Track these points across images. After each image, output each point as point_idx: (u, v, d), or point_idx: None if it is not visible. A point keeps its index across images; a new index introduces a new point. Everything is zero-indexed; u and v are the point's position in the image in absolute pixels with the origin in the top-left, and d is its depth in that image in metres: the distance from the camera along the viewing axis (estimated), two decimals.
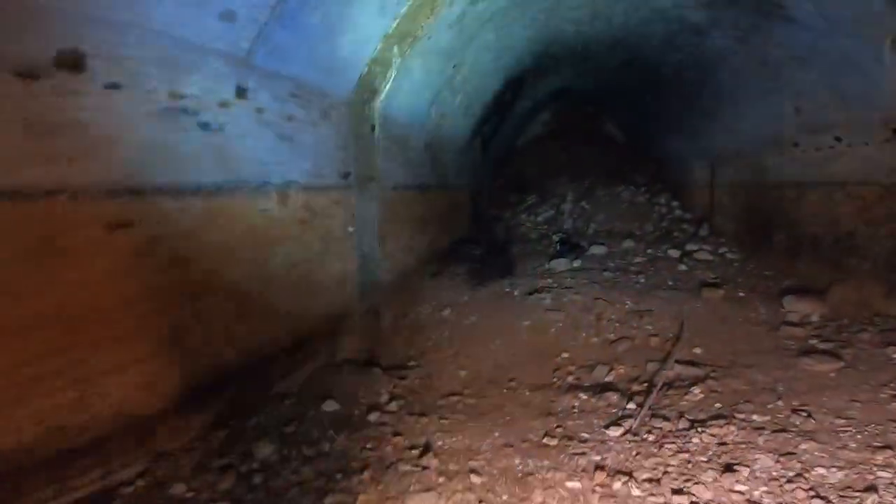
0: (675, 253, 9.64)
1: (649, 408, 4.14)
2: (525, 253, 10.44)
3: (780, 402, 4.23)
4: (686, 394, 4.50)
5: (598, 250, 10.05)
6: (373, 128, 5.96)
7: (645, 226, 12.28)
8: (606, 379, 5.15)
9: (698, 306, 6.83)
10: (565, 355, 5.78)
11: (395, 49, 5.78)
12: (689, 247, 9.90)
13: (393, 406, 4.55)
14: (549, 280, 8.02)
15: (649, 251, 10.04)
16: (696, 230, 11.34)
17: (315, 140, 4.64)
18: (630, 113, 14.29)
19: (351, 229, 5.29)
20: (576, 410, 4.40)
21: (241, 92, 3.58)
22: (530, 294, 7.27)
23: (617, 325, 6.45)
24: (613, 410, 4.31)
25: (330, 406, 4.26)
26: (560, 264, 8.82)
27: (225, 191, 3.50)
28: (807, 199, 7.58)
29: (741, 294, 7.21)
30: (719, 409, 4.20)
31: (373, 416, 4.25)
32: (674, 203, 13.12)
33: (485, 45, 8.27)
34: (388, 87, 5.98)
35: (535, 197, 13.96)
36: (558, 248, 10.45)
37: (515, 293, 7.55)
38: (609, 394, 4.58)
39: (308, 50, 4.30)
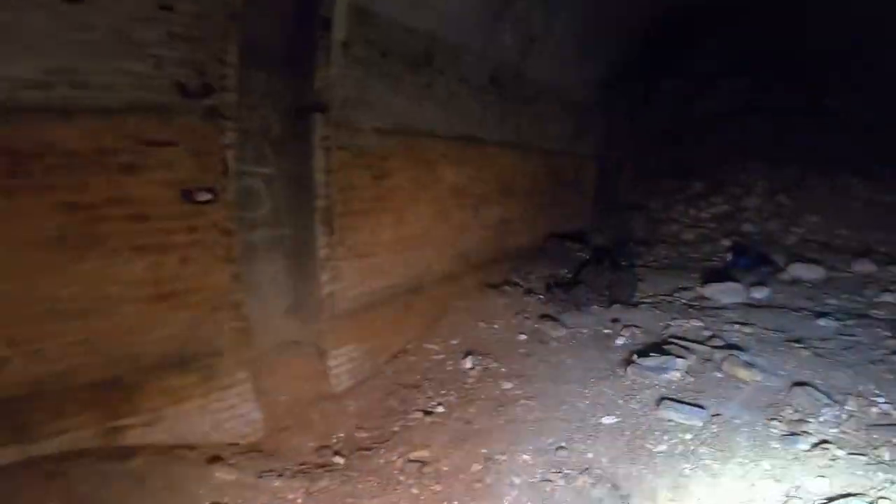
0: None
1: None
2: (666, 264, 6.52)
3: None
4: None
5: (806, 272, 5.68)
6: (326, 23, 3.11)
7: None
8: None
9: None
10: None
11: None
12: None
13: None
14: (697, 322, 4.26)
15: None
16: None
17: None
18: (877, 77, 8.95)
19: (207, 197, 2.52)
20: None
21: None
22: (644, 353, 3.68)
23: (836, 454, 2.64)
24: None
25: None
26: (726, 292, 4.90)
27: None
28: None
29: None
30: None
31: None
32: None
33: None
34: None
35: (703, 184, 9.55)
36: (731, 260, 6.32)
37: (617, 342, 4.01)
38: None
39: None
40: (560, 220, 6.74)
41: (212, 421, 2.76)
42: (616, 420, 3.11)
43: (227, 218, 2.66)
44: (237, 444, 2.86)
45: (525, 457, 2.83)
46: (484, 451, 2.87)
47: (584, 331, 4.20)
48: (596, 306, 4.62)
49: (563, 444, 2.93)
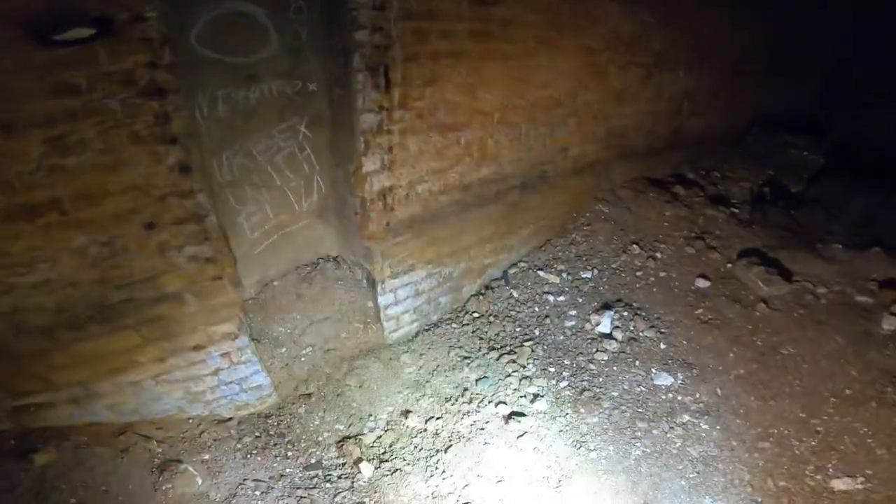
0: None
1: None
2: None
3: None
4: None
5: None
6: None
7: None
8: None
9: None
10: None
11: None
12: None
13: None
14: None
15: None
16: None
17: None
18: None
19: (82, 33, 1.14)
20: None
21: None
22: None
23: None
24: None
25: None
26: None
27: None
28: None
29: None
30: None
31: None
32: None
33: None
34: None
35: None
36: None
37: (886, 325, 2.22)
38: None
39: None
40: (769, 103, 4.34)
41: (185, 392, 1.79)
42: None
43: (149, 65, 1.33)
44: (228, 421, 1.91)
45: None
46: None
47: (822, 291, 2.43)
48: (840, 247, 2.71)
49: None
